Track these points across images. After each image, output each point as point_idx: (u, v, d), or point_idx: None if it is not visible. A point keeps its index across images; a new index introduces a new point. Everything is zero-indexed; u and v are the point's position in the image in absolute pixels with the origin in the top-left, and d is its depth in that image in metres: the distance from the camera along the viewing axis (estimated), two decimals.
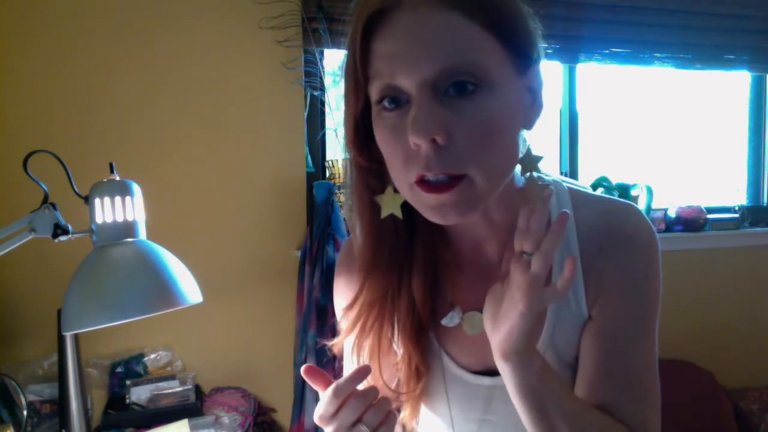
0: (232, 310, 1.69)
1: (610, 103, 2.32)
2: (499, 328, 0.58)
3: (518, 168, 0.59)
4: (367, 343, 0.68)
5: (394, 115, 0.55)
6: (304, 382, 1.57)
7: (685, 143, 2.38)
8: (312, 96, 1.76)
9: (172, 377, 1.56)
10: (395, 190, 0.60)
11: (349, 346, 0.71)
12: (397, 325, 0.68)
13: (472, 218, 0.61)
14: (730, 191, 2.43)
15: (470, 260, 0.69)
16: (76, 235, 0.87)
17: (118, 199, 0.86)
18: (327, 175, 1.83)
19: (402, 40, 0.53)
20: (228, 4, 1.65)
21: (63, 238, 0.86)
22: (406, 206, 0.60)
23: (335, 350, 0.72)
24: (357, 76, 0.57)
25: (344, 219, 1.68)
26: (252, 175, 1.71)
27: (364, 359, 0.69)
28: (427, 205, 0.56)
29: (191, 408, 1.48)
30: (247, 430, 1.50)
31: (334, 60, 1.82)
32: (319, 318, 1.57)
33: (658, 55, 2.07)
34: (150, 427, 1.40)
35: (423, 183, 0.54)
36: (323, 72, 1.75)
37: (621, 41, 2.03)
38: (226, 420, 1.49)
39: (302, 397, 1.57)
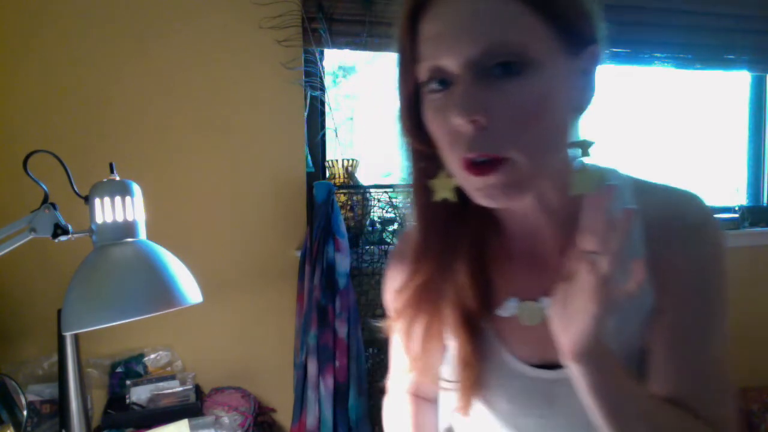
0: (232, 310, 1.69)
1: (610, 103, 2.32)
2: (568, 329, 0.56)
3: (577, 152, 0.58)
4: (417, 329, 0.68)
5: (441, 96, 0.55)
6: (304, 382, 1.57)
7: (685, 143, 2.38)
8: (312, 96, 1.76)
9: (172, 377, 1.56)
10: (449, 175, 0.60)
11: (399, 332, 0.70)
12: (447, 312, 0.68)
13: (524, 203, 0.62)
14: (730, 191, 2.43)
15: (525, 249, 0.68)
16: (76, 235, 0.87)
17: (118, 199, 0.86)
18: (327, 175, 1.83)
19: (446, 21, 0.53)
20: (228, 4, 1.65)
21: (63, 238, 0.86)
22: (460, 193, 0.60)
23: (386, 334, 0.72)
24: (406, 58, 0.58)
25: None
26: (252, 175, 1.71)
27: (414, 345, 0.68)
28: (475, 187, 0.56)
29: (191, 408, 1.48)
30: (247, 430, 1.50)
31: (333, 60, 1.82)
32: (319, 318, 1.57)
33: (658, 55, 2.07)
34: (150, 427, 1.40)
35: (470, 165, 0.54)
36: (323, 72, 1.75)
37: (621, 41, 2.03)
38: (226, 420, 1.49)
39: (303, 397, 1.57)
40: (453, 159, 0.56)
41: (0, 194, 1.50)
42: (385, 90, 2.14)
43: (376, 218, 1.83)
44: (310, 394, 1.55)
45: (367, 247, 1.82)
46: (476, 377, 0.67)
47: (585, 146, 0.57)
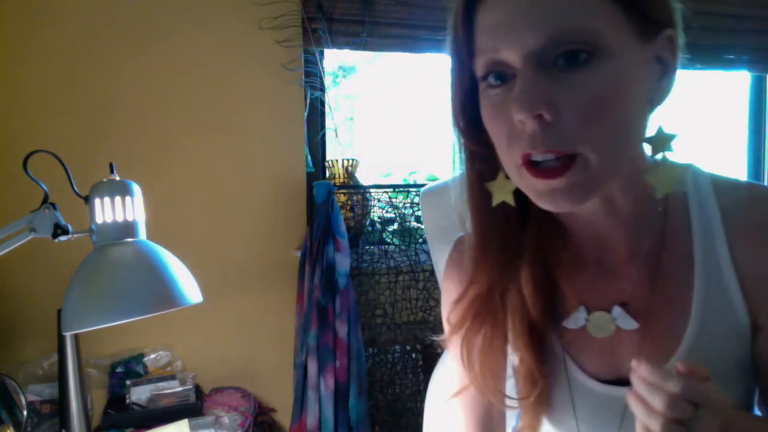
0: (232, 310, 1.69)
1: None
2: None
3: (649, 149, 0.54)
4: (477, 341, 0.63)
5: (500, 92, 0.51)
6: (304, 381, 1.58)
7: (685, 143, 2.38)
8: (312, 96, 1.76)
9: (172, 377, 1.56)
10: (507, 177, 0.56)
11: (457, 345, 0.65)
12: (510, 324, 0.63)
13: (592, 207, 0.56)
14: None
15: (593, 255, 0.62)
16: (76, 235, 0.87)
17: (118, 199, 0.86)
18: (327, 175, 1.84)
19: (505, 9, 0.49)
20: (228, 5, 1.65)
21: (63, 238, 0.86)
22: (520, 195, 0.56)
23: (444, 346, 0.68)
24: (461, 52, 0.53)
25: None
26: (252, 175, 1.71)
27: (474, 358, 0.63)
28: (536, 190, 0.51)
29: (191, 408, 1.48)
30: (247, 430, 1.50)
31: (333, 60, 1.82)
32: (319, 318, 1.57)
33: None
34: (150, 427, 1.39)
35: (531, 166, 0.49)
36: (323, 72, 1.75)
37: None
38: (226, 420, 1.49)
39: (303, 397, 1.57)
40: (512, 158, 0.51)
41: (0, 194, 1.50)
42: (386, 90, 2.14)
43: (376, 218, 1.83)
44: (310, 394, 1.55)
45: (367, 247, 1.82)
46: (542, 393, 0.62)
47: (665, 141, 0.52)
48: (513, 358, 0.64)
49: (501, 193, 0.57)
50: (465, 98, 0.56)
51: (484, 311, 0.62)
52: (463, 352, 0.64)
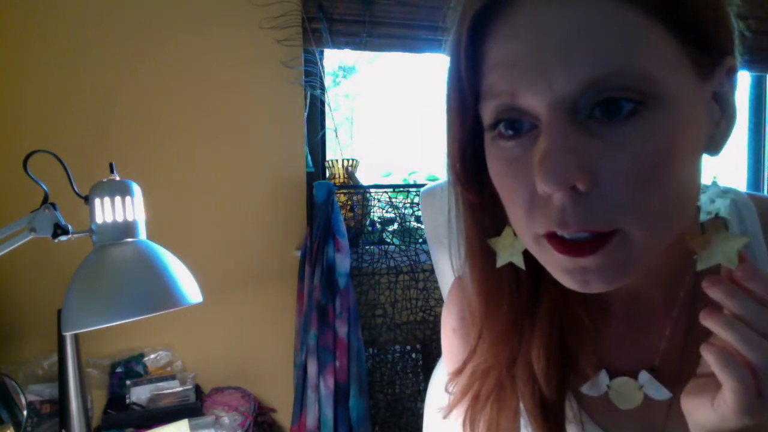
0: (232, 310, 1.69)
1: None
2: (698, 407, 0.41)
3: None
4: (483, 417, 0.54)
5: (514, 145, 0.40)
6: (304, 381, 1.58)
7: None
8: (312, 96, 1.76)
9: (172, 377, 1.56)
10: (516, 233, 0.46)
11: (458, 418, 0.56)
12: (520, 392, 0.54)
13: None
14: None
15: (619, 310, 0.53)
16: (76, 235, 0.87)
17: (118, 199, 0.86)
18: (327, 175, 1.84)
19: (528, 40, 0.37)
20: (228, 5, 1.65)
21: (63, 238, 0.86)
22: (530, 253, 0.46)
23: (445, 416, 0.59)
24: (463, 92, 0.42)
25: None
26: (252, 175, 1.71)
27: None
28: (561, 266, 0.41)
29: (191, 408, 1.48)
30: (247, 430, 1.50)
31: (334, 60, 1.82)
32: (319, 318, 1.57)
33: None
34: (150, 427, 1.40)
35: (555, 238, 0.40)
36: (323, 72, 1.75)
37: None
38: (226, 420, 1.49)
39: (303, 397, 1.57)
40: (530, 230, 0.41)
41: (0, 194, 1.50)
42: (386, 90, 2.14)
43: (376, 218, 1.83)
44: (310, 394, 1.55)
45: (367, 247, 1.82)
46: None
47: (720, 198, 0.43)
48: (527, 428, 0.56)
49: (508, 253, 0.48)
50: (463, 145, 0.45)
51: (490, 386, 0.54)
52: (465, 428, 0.56)
